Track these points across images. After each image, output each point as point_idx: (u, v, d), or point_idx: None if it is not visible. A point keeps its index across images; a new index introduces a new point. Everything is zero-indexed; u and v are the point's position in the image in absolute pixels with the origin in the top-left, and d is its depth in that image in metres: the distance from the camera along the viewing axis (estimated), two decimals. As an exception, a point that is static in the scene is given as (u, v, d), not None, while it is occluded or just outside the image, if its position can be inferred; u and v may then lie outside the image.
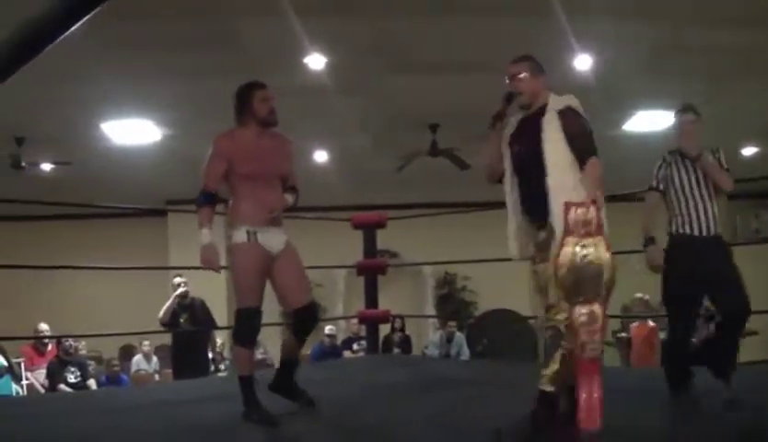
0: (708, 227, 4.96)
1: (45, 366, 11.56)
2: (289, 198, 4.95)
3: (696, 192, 5.03)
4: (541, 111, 4.31)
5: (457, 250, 10.73)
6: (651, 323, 12.33)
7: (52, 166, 12.22)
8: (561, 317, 4.01)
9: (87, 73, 8.78)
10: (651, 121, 11.57)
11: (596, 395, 3.85)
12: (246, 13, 7.81)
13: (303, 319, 4.96)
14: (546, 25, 7.86)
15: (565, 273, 3.91)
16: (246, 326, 4.75)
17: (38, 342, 11.91)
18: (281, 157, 4.97)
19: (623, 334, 13.50)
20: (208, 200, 4.84)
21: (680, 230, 5.04)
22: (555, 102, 4.33)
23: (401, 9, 7.93)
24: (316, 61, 8.81)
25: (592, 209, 3.93)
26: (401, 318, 13.07)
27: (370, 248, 8.19)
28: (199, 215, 4.81)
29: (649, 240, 5.06)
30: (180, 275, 9.87)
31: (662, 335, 12.24)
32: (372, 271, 8.28)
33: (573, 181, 4.15)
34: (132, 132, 11.52)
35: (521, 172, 4.41)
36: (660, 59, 9.10)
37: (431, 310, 17.08)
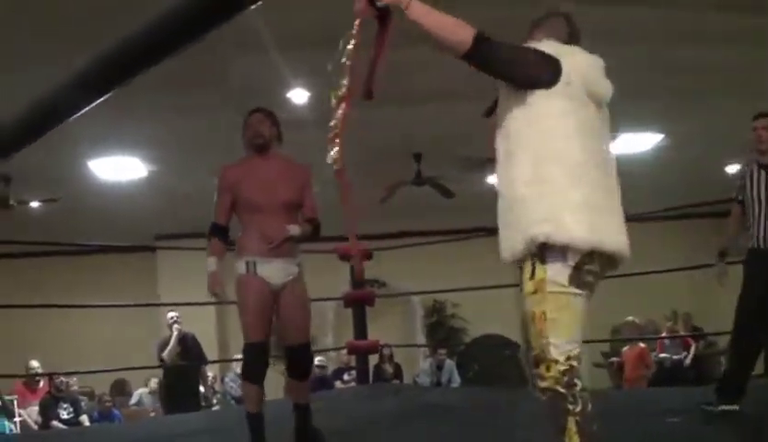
0: None
1: (38, 402, 11.51)
2: (296, 229, 4.79)
3: None
4: None
5: (445, 278, 10.78)
6: (642, 344, 12.38)
7: (41, 203, 12.23)
8: (556, 372, 3.03)
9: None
10: (634, 142, 11.63)
11: None
12: (230, 50, 7.87)
13: (292, 358, 4.89)
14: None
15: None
16: (249, 361, 4.68)
17: (29, 379, 11.89)
18: (288, 185, 4.85)
19: (615, 359, 13.49)
20: (215, 231, 4.82)
21: (757, 245, 4.81)
22: None
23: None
24: (299, 95, 8.89)
25: None
26: (390, 347, 13.10)
27: (357, 279, 8.17)
28: (208, 246, 4.80)
29: (720, 255, 4.91)
30: (173, 310, 9.89)
31: (653, 357, 12.34)
32: (360, 302, 8.26)
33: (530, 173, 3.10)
34: (118, 168, 11.55)
35: None
36: (639, 81, 9.18)
37: (421, 338, 17.07)
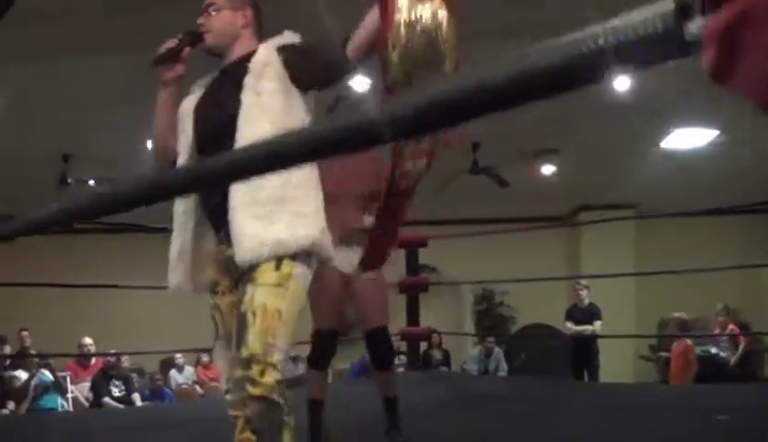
0: None
1: (89, 379, 11.76)
2: (369, 220, 4.62)
3: None
4: (247, 59, 3.06)
5: (495, 265, 10.86)
6: (687, 341, 12.35)
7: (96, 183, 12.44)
8: (272, 378, 2.71)
9: (135, 97, 9.02)
10: (689, 138, 11.61)
11: None
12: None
13: (373, 343, 4.82)
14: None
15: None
16: (320, 348, 4.70)
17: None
18: (362, 176, 4.73)
19: (663, 353, 13.45)
20: None
21: None
22: (267, 44, 3.10)
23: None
24: (359, 82, 8.98)
25: None
26: (439, 334, 13.18)
27: (412, 266, 8.25)
28: None
29: None
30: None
31: (698, 351, 12.31)
32: (414, 289, 8.31)
33: (281, 178, 2.88)
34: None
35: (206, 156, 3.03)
36: (697, 77, 9.16)
37: (470, 325, 17.12)
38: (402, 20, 2.59)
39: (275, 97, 2.93)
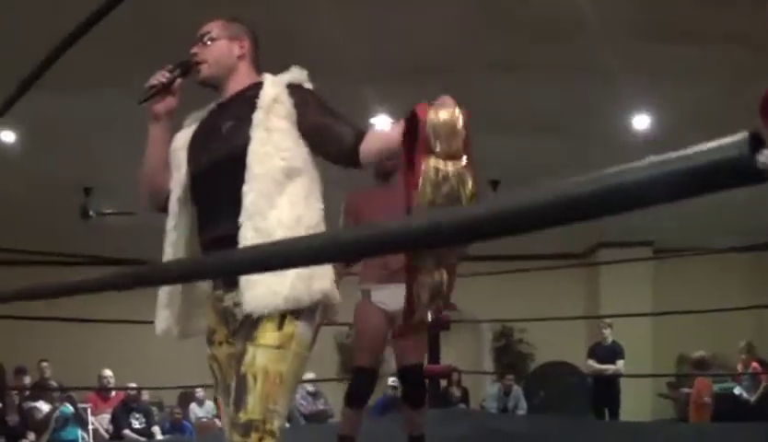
0: None
1: (109, 411, 11.77)
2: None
3: None
4: (250, 93, 2.87)
5: (514, 302, 10.86)
6: (705, 379, 12.30)
7: (117, 216, 12.51)
8: None
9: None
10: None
11: None
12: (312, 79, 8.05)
13: (407, 379, 4.85)
14: (606, 87, 8.05)
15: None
16: (358, 386, 4.71)
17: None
18: (399, 210, 4.73)
19: (685, 390, 13.36)
20: None
21: None
22: (276, 79, 2.91)
23: (468, 69, 8.15)
24: (383, 122, 9.09)
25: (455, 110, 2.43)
26: (459, 372, 13.15)
27: (434, 304, 8.19)
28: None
29: None
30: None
31: (716, 389, 12.24)
32: (435, 327, 8.26)
33: (290, 213, 2.72)
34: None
35: (203, 194, 2.89)
36: (717, 113, 9.21)
37: (488, 362, 17.05)
38: (429, 179, 2.52)
39: (286, 136, 2.77)
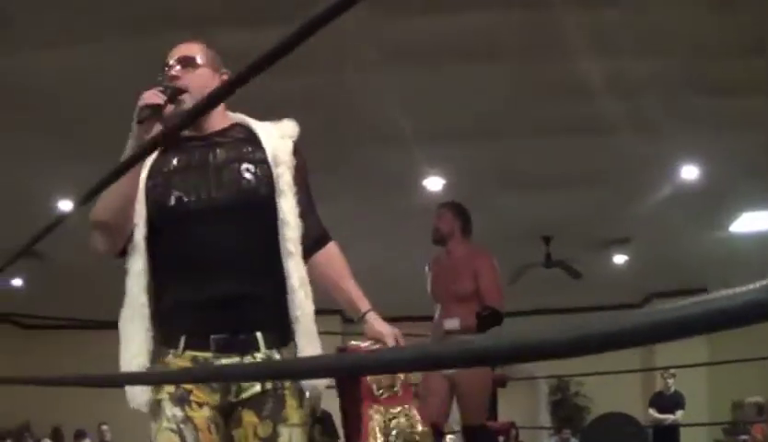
0: None
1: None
2: (453, 323, 4.81)
3: None
4: (241, 136, 2.68)
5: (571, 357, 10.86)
6: (763, 425, 12.22)
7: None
8: None
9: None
10: (757, 221, 11.60)
11: None
12: (365, 143, 8.31)
13: (470, 438, 4.99)
14: (653, 140, 8.16)
15: None
16: None
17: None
18: (461, 276, 4.90)
19: (742, 436, 13.26)
20: None
21: None
22: (284, 132, 2.70)
23: (516, 133, 8.35)
24: (434, 183, 9.28)
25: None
26: (517, 428, 13.15)
27: (491, 361, 8.25)
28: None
29: None
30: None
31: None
32: (494, 384, 8.32)
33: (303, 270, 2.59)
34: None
35: (196, 238, 2.53)
36: (764, 162, 9.23)
37: (545, 416, 17.01)
38: (378, 427, 2.53)
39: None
